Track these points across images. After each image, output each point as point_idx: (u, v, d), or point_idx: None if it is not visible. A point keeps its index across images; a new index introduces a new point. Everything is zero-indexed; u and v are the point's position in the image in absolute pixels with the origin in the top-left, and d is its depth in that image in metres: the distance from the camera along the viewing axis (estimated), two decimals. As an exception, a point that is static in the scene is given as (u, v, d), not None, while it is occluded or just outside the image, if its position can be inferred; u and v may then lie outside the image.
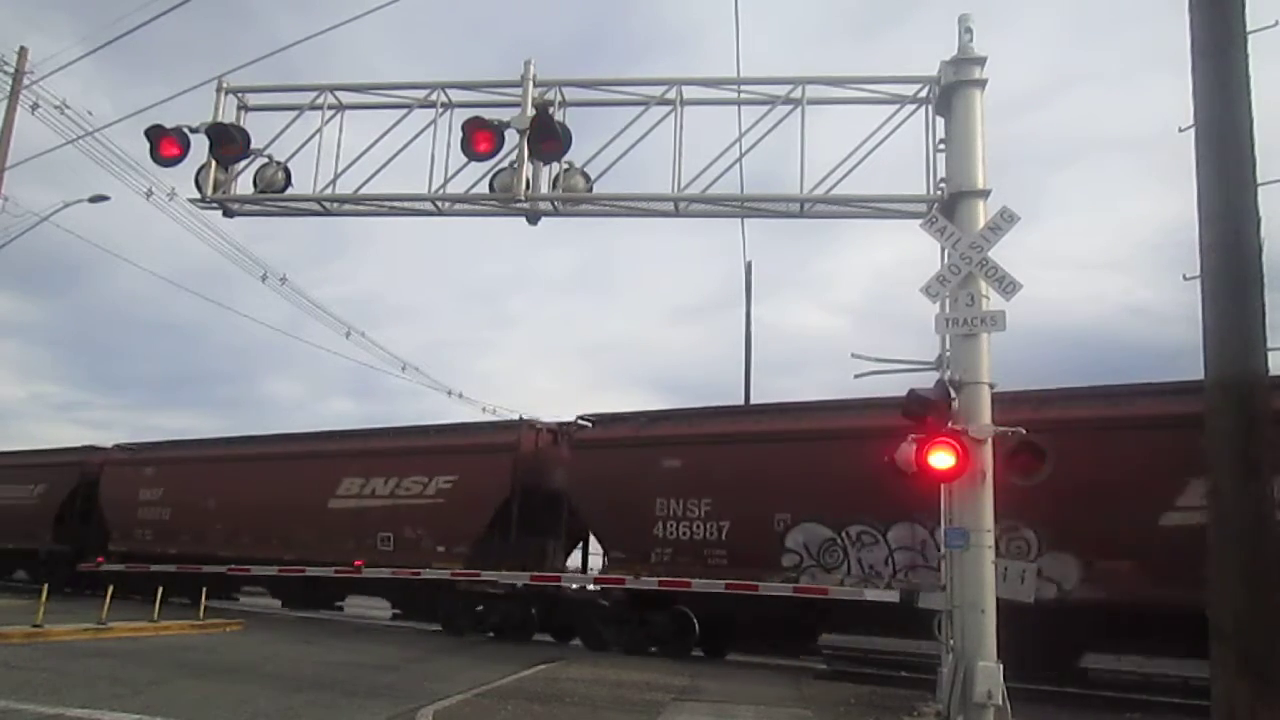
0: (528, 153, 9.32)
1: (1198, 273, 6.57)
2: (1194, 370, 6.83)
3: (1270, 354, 6.34)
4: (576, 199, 9.69)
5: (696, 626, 14.78)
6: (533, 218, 9.76)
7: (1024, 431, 8.62)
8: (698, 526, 14.31)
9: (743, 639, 15.49)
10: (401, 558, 17.44)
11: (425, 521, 17.41)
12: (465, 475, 17.08)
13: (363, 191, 9.94)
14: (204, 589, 18.02)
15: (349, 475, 18.56)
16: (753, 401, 21.27)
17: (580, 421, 16.83)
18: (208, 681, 9.82)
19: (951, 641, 8.06)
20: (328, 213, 10.36)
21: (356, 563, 17.81)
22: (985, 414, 8.14)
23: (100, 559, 22.16)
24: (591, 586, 16.17)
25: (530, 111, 9.34)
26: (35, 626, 12.75)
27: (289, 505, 19.24)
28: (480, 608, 17.21)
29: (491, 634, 16.95)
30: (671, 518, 14.51)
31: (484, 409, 32.67)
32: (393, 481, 17.98)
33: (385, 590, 19.07)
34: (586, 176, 9.60)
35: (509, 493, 16.48)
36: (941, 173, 8.90)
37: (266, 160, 10.09)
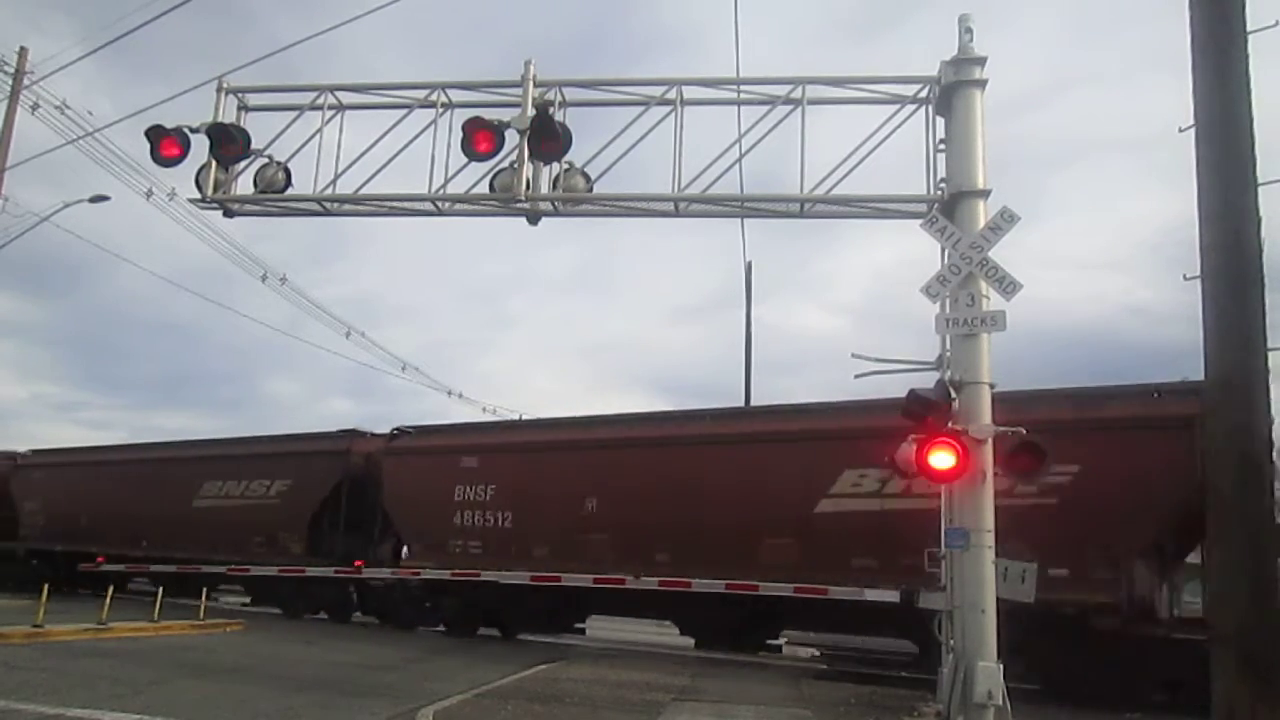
0: (528, 153, 9.31)
1: (1198, 273, 6.57)
2: (1194, 370, 6.84)
3: (1270, 354, 6.34)
4: (577, 199, 9.69)
5: None
6: (533, 218, 9.75)
7: (1024, 431, 8.61)
8: None
9: None
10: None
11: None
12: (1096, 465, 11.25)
13: (363, 191, 9.94)
14: (204, 588, 17.96)
15: (852, 467, 12.77)
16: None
17: None
18: (208, 681, 9.83)
19: (951, 641, 8.06)
20: (328, 213, 10.36)
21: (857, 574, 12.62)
22: (985, 414, 8.13)
23: (100, 558, 21.39)
24: None
25: (530, 111, 9.33)
26: (35, 626, 12.76)
27: (755, 506, 13.65)
28: None
29: None
30: None
31: (484, 409, 32.77)
32: None
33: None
34: (587, 176, 9.59)
35: None
36: (941, 173, 8.89)
37: (267, 160, 10.09)
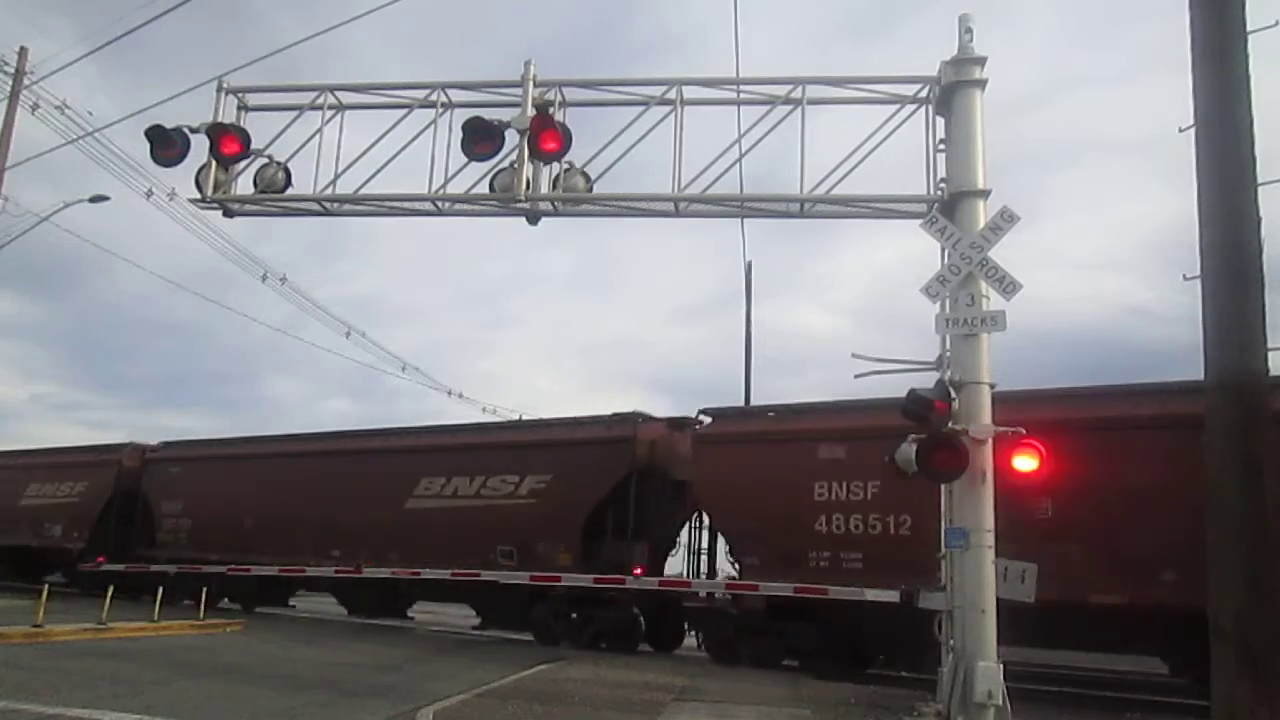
0: (528, 153, 9.32)
1: (1198, 273, 6.59)
2: (1194, 370, 6.85)
3: (1270, 354, 6.35)
4: (577, 199, 9.69)
5: None
6: (533, 218, 9.76)
7: (1024, 431, 8.61)
8: None
9: None
10: None
11: None
12: None
13: (363, 191, 9.94)
14: (205, 589, 17.93)
15: None
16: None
17: None
18: (209, 681, 9.82)
19: (951, 641, 8.06)
20: (328, 213, 10.36)
21: None
22: (985, 414, 8.13)
23: (101, 559, 20.97)
24: None
25: (530, 111, 9.34)
26: (36, 626, 12.75)
27: None
28: None
29: None
30: None
31: (484, 409, 32.66)
32: None
33: None
34: (586, 176, 9.60)
35: None
36: (941, 173, 8.90)
37: (266, 160, 10.09)
